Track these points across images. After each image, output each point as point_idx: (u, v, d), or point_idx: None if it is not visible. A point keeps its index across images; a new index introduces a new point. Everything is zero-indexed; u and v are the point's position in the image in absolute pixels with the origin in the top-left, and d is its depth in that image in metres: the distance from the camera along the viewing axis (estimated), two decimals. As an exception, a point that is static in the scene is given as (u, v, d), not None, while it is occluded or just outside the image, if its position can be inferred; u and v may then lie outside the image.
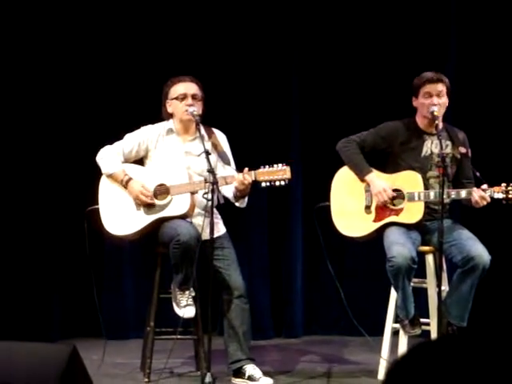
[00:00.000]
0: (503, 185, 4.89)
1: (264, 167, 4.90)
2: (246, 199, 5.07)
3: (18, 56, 6.26)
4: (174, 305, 4.92)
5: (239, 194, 4.99)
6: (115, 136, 5.22)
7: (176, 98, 5.09)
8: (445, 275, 5.08)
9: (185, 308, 4.84)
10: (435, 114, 4.94)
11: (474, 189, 4.90)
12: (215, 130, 5.22)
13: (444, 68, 5.82)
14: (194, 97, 5.07)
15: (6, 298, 6.14)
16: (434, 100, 4.99)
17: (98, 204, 5.10)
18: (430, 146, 5.08)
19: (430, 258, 5.05)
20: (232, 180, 4.92)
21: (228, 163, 5.07)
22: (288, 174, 4.88)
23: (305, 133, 6.63)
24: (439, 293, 4.77)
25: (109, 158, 5.09)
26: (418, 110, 5.11)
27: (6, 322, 5.96)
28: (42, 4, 6.32)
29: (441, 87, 5.01)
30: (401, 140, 5.10)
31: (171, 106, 5.14)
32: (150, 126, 5.17)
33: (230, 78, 6.55)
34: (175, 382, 5.06)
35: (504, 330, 1.43)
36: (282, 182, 4.90)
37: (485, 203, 4.87)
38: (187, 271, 4.83)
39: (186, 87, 5.10)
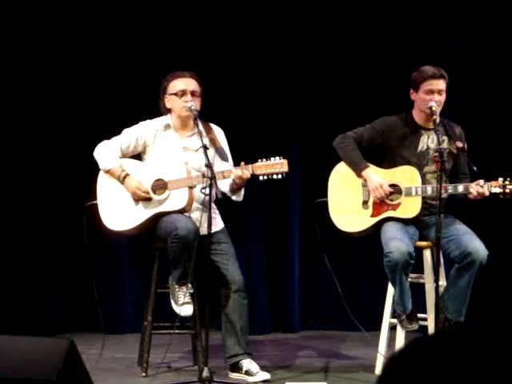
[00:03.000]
0: (500, 179, 4.89)
1: (261, 160, 4.90)
2: (243, 192, 5.06)
3: (16, 52, 6.24)
4: (172, 302, 4.92)
5: (235, 187, 4.98)
6: (114, 131, 5.21)
7: (175, 94, 5.08)
8: (442, 270, 5.08)
9: (182, 306, 4.84)
10: (433, 109, 4.93)
11: (472, 184, 4.90)
12: (213, 126, 5.21)
13: (443, 63, 5.80)
14: (193, 93, 5.06)
15: (5, 292, 6.14)
16: (435, 97, 4.96)
17: (96, 199, 5.10)
18: (427, 141, 5.08)
19: (427, 254, 5.06)
20: (230, 174, 4.91)
21: (226, 159, 5.07)
22: (285, 167, 4.88)
23: (303, 128, 6.63)
24: (436, 288, 4.78)
25: (106, 153, 5.09)
26: (415, 104, 5.09)
27: (4, 317, 5.96)
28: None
29: (442, 84, 4.99)
30: (397, 135, 5.09)
31: (169, 101, 5.13)
32: (147, 122, 5.16)
33: (230, 73, 6.54)
34: (173, 377, 5.06)
35: (501, 326, 1.43)
36: (280, 176, 4.90)
37: (480, 197, 4.89)
38: (185, 266, 4.83)
39: (185, 83, 5.09)
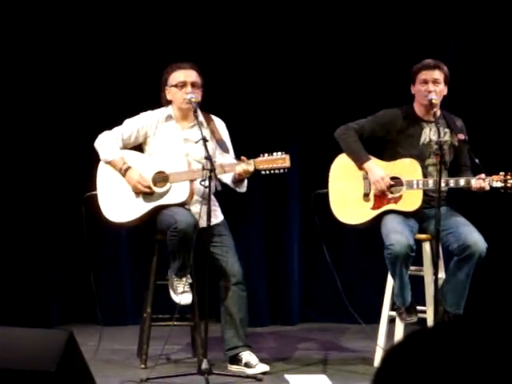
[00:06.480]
0: (501, 173, 4.90)
1: (263, 155, 4.89)
2: (246, 183, 5.06)
3: (16, 44, 6.23)
4: (171, 292, 4.92)
5: (237, 180, 4.99)
6: (114, 121, 5.20)
7: (175, 86, 5.07)
8: (441, 263, 5.08)
9: (182, 295, 4.85)
10: (433, 101, 4.93)
11: (473, 179, 4.90)
12: (214, 117, 5.21)
13: (443, 56, 5.79)
14: (193, 84, 5.05)
15: (4, 284, 6.14)
16: (429, 87, 4.97)
17: (96, 190, 5.09)
18: (429, 134, 5.07)
19: (426, 246, 5.06)
20: (230, 169, 4.91)
21: (226, 151, 5.06)
22: (287, 163, 4.88)
23: (303, 120, 6.62)
24: (436, 281, 4.79)
25: (107, 144, 5.07)
26: (415, 97, 5.10)
27: (3, 308, 5.96)
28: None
29: (437, 74, 4.99)
30: (399, 128, 5.09)
31: (170, 93, 5.11)
32: (149, 112, 5.15)
33: (230, 65, 6.52)
34: (172, 369, 5.07)
35: (500, 318, 1.43)
36: (282, 171, 4.90)
37: (481, 191, 4.89)
38: (184, 258, 4.84)
39: (185, 75, 5.08)
